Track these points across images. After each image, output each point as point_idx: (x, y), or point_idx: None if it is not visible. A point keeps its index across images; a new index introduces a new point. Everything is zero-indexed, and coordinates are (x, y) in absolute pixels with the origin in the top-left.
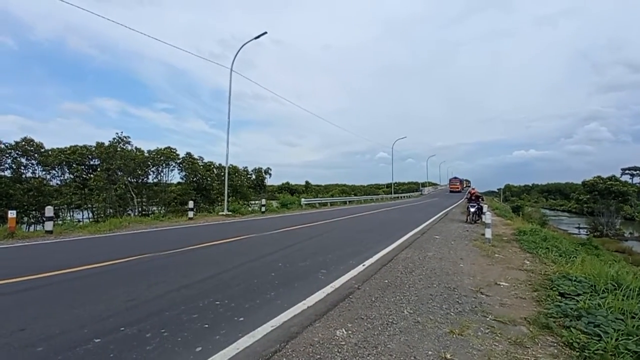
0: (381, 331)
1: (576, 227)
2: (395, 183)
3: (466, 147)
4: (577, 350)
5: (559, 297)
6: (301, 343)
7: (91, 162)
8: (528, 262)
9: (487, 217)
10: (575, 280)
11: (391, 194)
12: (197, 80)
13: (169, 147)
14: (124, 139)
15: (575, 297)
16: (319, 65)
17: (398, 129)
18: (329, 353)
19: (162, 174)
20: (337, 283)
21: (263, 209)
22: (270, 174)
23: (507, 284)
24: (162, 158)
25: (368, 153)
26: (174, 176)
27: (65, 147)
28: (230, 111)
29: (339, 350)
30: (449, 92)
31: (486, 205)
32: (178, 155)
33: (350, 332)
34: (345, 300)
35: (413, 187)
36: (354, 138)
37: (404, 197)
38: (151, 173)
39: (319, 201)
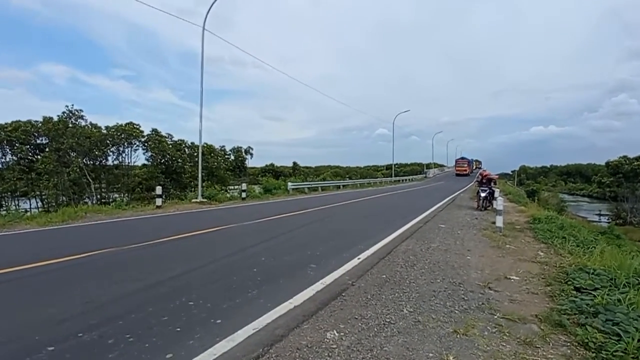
0: (377, 332)
1: (597, 214)
2: (397, 164)
3: (477, 123)
4: (592, 350)
5: (574, 292)
6: (287, 347)
7: (38, 141)
8: (542, 254)
9: (499, 203)
10: (592, 273)
11: (392, 176)
12: (163, 41)
13: (130, 123)
14: (76, 112)
15: (592, 292)
16: (308, 23)
17: (400, 101)
18: (319, 357)
19: (123, 155)
20: (329, 279)
21: (243, 194)
22: (251, 154)
23: (518, 278)
24: (123, 136)
25: (365, 129)
26: (138, 157)
27: (6, 123)
28: (203, 79)
29: (330, 354)
30: (457, 59)
31: (498, 190)
32: (142, 132)
33: (342, 334)
34: (337, 299)
35: (417, 169)
36: (349, 112)
37: (406, 180)
38: (110, 154)
39: (309, 185)
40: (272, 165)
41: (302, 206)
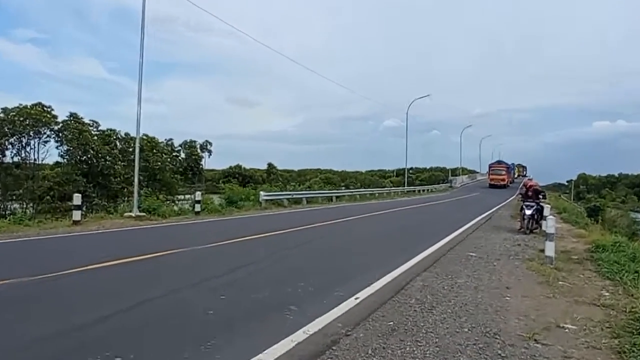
0: None
1: None
2: (411, 169)
3: (520, 116)
4: None
5: None
6: None
7: None
8: (607, 294)
9: (550, 224)
10: None
11: (404, 185)
12: None
13: (39, 104)
14: None
15: None
16: None
17: (416, 85)
18: None
19: (28, 149)
20: (314, 326)
21: (197, 207)
22: (209, 152)
23: (574, 327)
24: (27, 122)
25: (370, 119)
26: (49, 153)
27: None
28: (144, 45)
29: None
30: (494, 30)
31: (549, 206)
32: (55, 117)
33: None
34: (325, 353)
35: (438, 177)
36: (347, 96)
37: (424, 190)
38: (9, 147)
39: (289, 196)
40: (238, 167)
41: (279, 225)
